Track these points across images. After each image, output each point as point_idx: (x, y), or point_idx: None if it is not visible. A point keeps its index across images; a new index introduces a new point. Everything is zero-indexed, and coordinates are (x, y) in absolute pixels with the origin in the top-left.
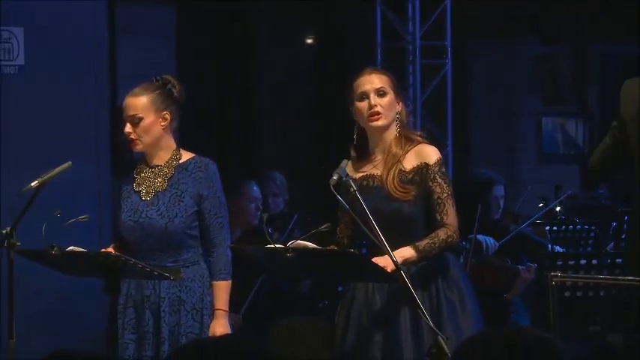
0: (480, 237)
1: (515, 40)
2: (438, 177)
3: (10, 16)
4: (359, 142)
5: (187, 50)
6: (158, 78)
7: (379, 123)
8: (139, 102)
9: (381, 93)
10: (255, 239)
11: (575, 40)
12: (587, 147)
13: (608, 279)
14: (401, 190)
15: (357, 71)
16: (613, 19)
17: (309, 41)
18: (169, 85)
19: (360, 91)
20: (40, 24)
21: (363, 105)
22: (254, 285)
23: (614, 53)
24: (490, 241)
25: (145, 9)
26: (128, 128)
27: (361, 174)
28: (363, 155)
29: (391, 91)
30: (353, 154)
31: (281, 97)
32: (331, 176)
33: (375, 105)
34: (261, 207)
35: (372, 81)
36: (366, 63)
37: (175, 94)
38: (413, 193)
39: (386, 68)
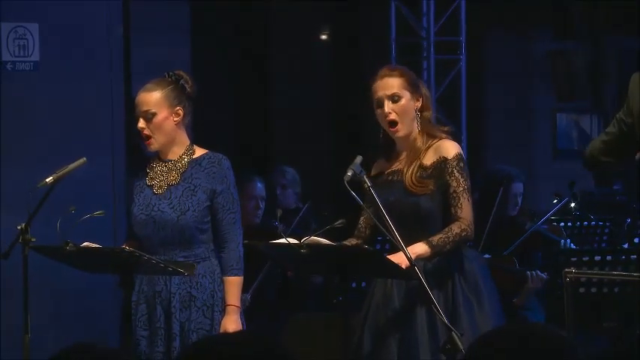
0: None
1: (530, 35)
2: (455, 171)
3: (24, 13)
4: (385, 143)
5: (202, 47)
6: (171, 74)
7: (399, 134)
8: (152, 97)
9: (395, 99)
10: (255, 237)
11: (591, 35)
12: None
13: (623, 275)
14: (418, 184)
15: (373, 70)
16: (629, 14)
17: (324, 37)
18: (182, 81)
19: (376, 97)
20: (55, 20)
21: (380, 112)
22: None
23: (630, 48)
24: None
25: (159, 5)
26: (141, 124)
27: (389, 170)
28: (392, 154)
29: (407, 92)
30: (381, 156)
31: (296, 94)
32: (345, 172)
33: (390, 112)
34: (262, 206)
35: (385, 86)
36: (381, 59)
37: (188, 89)
38: (430, 187)
39: (400, 64)
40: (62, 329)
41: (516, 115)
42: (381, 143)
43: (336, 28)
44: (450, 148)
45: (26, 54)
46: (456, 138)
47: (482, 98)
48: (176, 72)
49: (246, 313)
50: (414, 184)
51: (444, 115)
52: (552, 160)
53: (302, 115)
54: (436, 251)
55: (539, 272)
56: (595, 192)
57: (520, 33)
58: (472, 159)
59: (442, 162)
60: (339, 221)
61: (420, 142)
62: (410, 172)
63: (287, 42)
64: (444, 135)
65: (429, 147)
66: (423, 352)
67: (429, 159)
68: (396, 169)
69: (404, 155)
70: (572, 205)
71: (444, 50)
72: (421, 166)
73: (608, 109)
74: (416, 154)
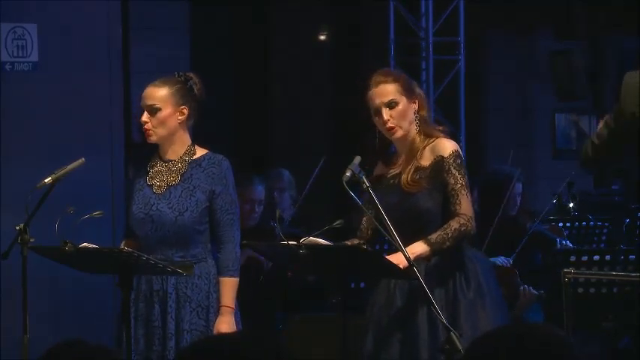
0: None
1: (530, 35)
2: (452, 168)
3: (23, 13)
4: (382, 146)
5: (202, 47)
6: (181, 74)
7: (397, 135)
8: (159, 93)
9: (392, 105)
10: (252, 238)
11: (591, 35)
12: None
13: (621, 276)
14: (412, 183)
15: (372, 70)
16: (629, 14)
17: (323, 37)
18: (191, 82)
19: (373, 106)
20: (54, 21)
21: (378, 119)
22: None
23: (630, 48)
24: (500, 259)
25: (159, 5)
26: (145, 117)
27: (390, 173)
28: (391, 156)
29: (403, 97)
30: (380, 161)
31: (296, 94)
32: (344, 172)
33: (388, 119)
34: (258, 210)
35: (382, 94)
36: (380, 59)
37: (196, 91)
38: (424, 184)
39: (399, 64)
40: (61, 329)
41: (516, 115)
42: (378, 147)
43: (336, 29)
44: (447, 146)
45: (25, 54)
46: (453, 137)
47: (482, 98)
48: (187, 73)
49: (243, 314)
50: (408, 183)
51: (442, 116)
52: (552, 160)
53: (302, 116)
54: (435, 249)
55: (531, 289)
56: (593, 192)
57: (519, 33)
58: (471, 159)
59: (439, 160)
60: (338, 221)
61: (417, 142)
62: (407, 173)
63: (287, 42)
64: (440, 134)
65: (425, 146)
66: (424, 352)
67: (426, 159)
68: (397, 172)
69: (403, 157)
70: (571, 205)
71: (443, 50)
72: (419, 167)
73: (608, 109)
74: (413, 154)
